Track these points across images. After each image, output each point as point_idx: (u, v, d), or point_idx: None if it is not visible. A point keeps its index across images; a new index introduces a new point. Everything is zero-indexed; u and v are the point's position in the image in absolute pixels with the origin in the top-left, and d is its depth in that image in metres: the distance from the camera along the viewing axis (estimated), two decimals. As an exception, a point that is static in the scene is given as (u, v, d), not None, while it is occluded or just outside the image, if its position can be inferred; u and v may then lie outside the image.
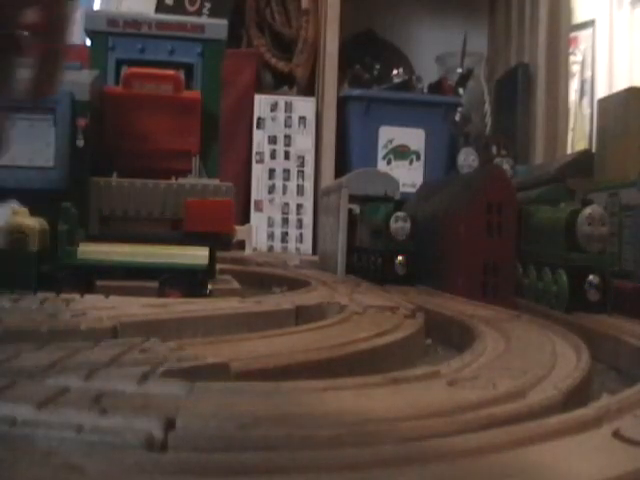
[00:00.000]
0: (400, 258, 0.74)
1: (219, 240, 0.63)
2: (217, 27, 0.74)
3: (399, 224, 0.74)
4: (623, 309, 0.55)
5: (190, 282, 0.56)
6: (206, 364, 0.28)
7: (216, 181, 0.66)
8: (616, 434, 0.20)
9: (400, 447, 0.18)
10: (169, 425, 0.20)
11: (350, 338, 0.36)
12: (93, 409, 0.21)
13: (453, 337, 0.46)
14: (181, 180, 0.65)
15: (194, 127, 0.68)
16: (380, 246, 0.76)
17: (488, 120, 1.91)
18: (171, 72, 0.67)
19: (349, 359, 0.32)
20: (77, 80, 0.61)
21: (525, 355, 0.32)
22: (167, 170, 0.67)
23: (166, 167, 0.67)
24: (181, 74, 0.70)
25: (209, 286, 0.58)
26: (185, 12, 1.86)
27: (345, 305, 0.49)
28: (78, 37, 1.72)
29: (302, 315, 0.48)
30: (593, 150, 0.91)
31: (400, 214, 0.74)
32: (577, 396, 0.27)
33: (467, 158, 1.79)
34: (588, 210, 0.56)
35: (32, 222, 0.54)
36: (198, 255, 0.56)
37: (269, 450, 0.18)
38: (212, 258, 0.60)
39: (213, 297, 0.57)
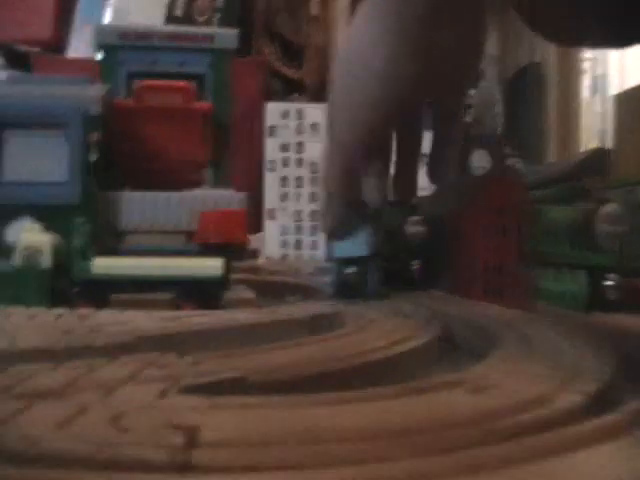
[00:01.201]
0: (414, 263, 0.72)
1: (233, 250, 0.63)
2: (227, 36, 0.74)
3: (414, 228, 0.71)
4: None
5: (205, 293, 0.56)
6: (224, 379, 0.27)
7: (229, 191, 0.66)
8: (643, 441, 0.20)
9: (426, 460, 0.17)
10: (192, 443, 0.19)
11: (367, 347, 0.35)
12: (113, 428, 0.21)
13: (470, 342, 0.45)
14: (194, 191, 0.65)
15: (205, 138, 0.68)
16: (394, 251, 0.72)
17: (500, 120, 1.91)
18: (182, 83, 0.67)
19: (368, 368, 0.32)
20: (88, 95, 0.61)
21: (548, 359, 0.32)
22: (179, 182, 0.67)
23: (178, 179, 0.67)
24: (192, 85, 0.70)
25: (224, 297, 0.58)
26: (194, 23, 1.87)
27: (361, 313, 0.49)
28: (87, 51, 1.73)
29: (317, 324, 0.48)
30: (606, 148, 0.90)
31: (415, 218, 0.70)
32: (604, 400, 0.26)
33: (480, 159, 1.79)
34: (605, 208, 0.56)
35: (46, 238, 0.54)
36: (212, 266, 0.56)
37: (296, 469, 0.17)
38: (226, 269, 0.59)
39: (228, 308, 0.57)
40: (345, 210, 0.53)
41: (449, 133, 0.54)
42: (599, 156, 0.90)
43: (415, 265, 0.72)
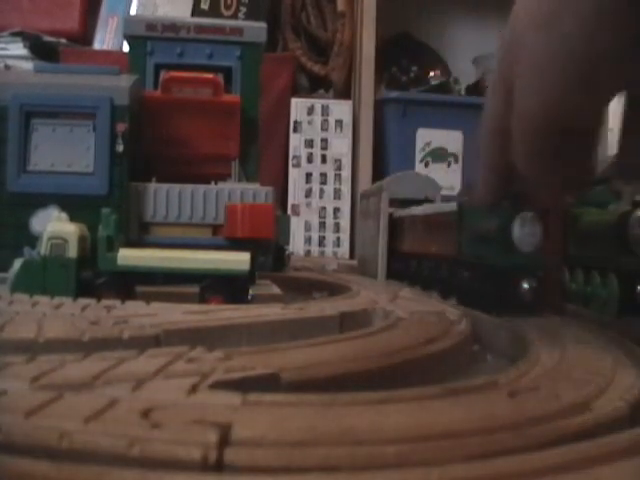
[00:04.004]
0: (527, 280, 0.50)
1: (260, 245, 0.62)
2: (256, 30, 0.74)
3: (526, 229, 0.50)
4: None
5: (231, 288, 0.56)
6: (256, 375, 0.27)
7: (256, 185, 0.65)
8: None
9: (469, 465, 0.17)
10: (224, 441, 0.19)
11: (398, 346, 0.35)
12: (144, 423, 0.20)
13: (502, 343, 0.44)
14: (221, 185, 0.65)
15: (234, 131, 0.67)
16: (495, 260, 0.51)
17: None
18: (210, 76, 0.67)
19: (399, 368, 0.31)
20: (116, 85, 0.61)
21: (583, 363, 0.31)
22: (207, 174, 0.66)
23: (206, 171, 0.67)
24: (220, 78, 0.70)
25: (250, 292, 0.58)
26: (221, 16, 1.86)
27: (390, 311, 0.48)
28: (116, 42, 1.73)
29: (346, 321, 0.47)
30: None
31: (528, 214, 0.50)
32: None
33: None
34: (639, 212, 0.55)
35: (72, 228, 0.54)
36: (239, 260, 0.55)
37: (332, 470, 0.17)
38: (253, 263, 0.59)
39: (255, 303, 0.56)
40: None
41: None
42: (633, 159, 0.88)
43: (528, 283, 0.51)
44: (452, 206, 0.60)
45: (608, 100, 0.38)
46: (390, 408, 0.22)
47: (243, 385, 0.26)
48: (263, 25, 0.74)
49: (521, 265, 0.50)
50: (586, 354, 0.33)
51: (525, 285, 0.49)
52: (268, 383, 0.27)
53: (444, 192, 1.05)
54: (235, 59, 0.72)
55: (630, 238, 0.54)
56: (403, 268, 0.80)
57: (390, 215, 0.84)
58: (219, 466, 0.17)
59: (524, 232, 0.49)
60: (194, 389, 0.24)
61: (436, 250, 0.66)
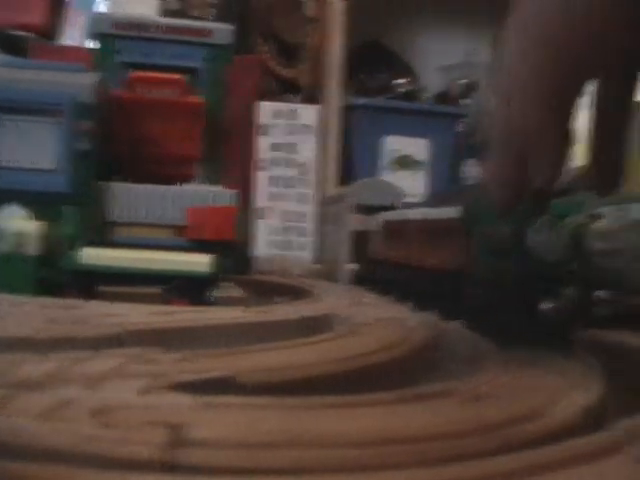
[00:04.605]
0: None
1: (223, 247, 0.62)
2: (224, 32, 0.73)
3: (544, 235, 0.41)
4: (629, 324, 0.54)
5: (194, 289, 0.56)
6: (212, 377, 0.27)
7: (220, 188, 0.65)
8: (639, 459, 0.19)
9: (424, 471, 0.17)
10: (174, 441, 0.19)
11: (359, 351, 0.35)
12: (96, 423, 0.20)
13: (463, 351, 0.45)
14: (185, 186, 0.64)
15: (198, 133, 0.67)
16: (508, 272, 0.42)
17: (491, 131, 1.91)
18: (175, 76, 0.67)
19: (359, 373, 0.31)
20: (81, 83, 0.60)
21: (540, 372, 0.31)
22: (171, 176, 0.66)
23: (170, 172, 0.67)
24: (186, 79, 0.69)
25: (213, 294, 0.58)
26: (190, 17, 1.85)
27: (351, 316, 0.49)
28: (82, 39, 1.71)
29: (308, 326, 0.47)
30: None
31: (547, 218, 0.41)
32: (595, 417, 0.26)
33: (471, 169, 1.79)
34: (597, 224, 0.55)
35: (34, 225, 0.54)
36: (201, 262, 0.55)
37: (289, 474, 0.17)
38: (216, 265, 0.59)
39: (217, 305, 0.56)
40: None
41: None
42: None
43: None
44: (455, 211, 0.51)
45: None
46: (351, 412, 0.22)
47: (198, 387, 0.25)
48: (231, 27, 0.74)
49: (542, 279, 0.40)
50: (543, 363, 0.34)
51: (546, 305, 0.39)
52: (224, 386, 0.27)
53: (410, 199, 1.05)
54: (202, 60, 0.72)
55: (588, 250, 0.55)
56: (388, 279, 0.72)
57: (374, 220, 0.81)
58: (168, 466, 0.17)
59: (544, 238, 0.40)
60: (148, 390, 0.24)
61: (435, 262, 0.56)
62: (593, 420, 0.25)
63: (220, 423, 0.20)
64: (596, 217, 0.58)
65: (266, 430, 0.19)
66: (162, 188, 0.63)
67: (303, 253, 1.75)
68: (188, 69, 0.72)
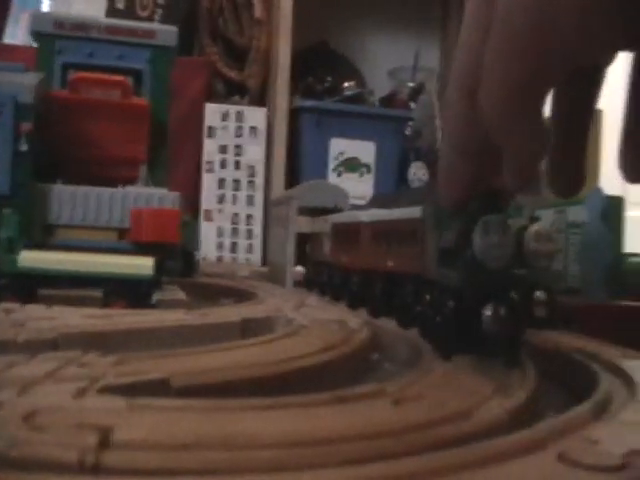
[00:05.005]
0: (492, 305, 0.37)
1: (166, 250, 0.62)
2: (168, 33, 0.73)
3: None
4: (567, 325, 0.56)
5: (135, 292, 0.55)
6: (146, 380, 0.27)
7: (163, 190, 0.65)
8: (561, 456, 0.20)
9: (343, 470, 0.17)
10: (103, 444, 0.19)
11: (296, 353, 0.35)
12: (25, 426, 0.20)
13: (401, 353, 0.45)
14: (127, 188, 0.64)
15: (142, 134, 0.67)
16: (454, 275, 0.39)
17: (439, 135, 1.93)
18: (119, 78, 0.66)
19: (294, 375, 0.32)
20: (21, 83, 0.59)
21: (472, 373, 0.32)
22: (114, 178, 0.66)
23: (113, 175, 0.66)
24: (129, 80, 0.69)
25: (155, 297, 0.57)
26: (136, 17, 1.84)
27: (293, 318, 0.49)
28: (24, 38, 1.69)
29: (249, 328, 0.47)
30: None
31: (495, 219, 0.38)
32: (524, 416, 0.27)
33: (417, 172, 1.80)
34: (535, 227, 0.56)
35: (-29, 228, 0.53)
36: (143, 265, 0.55)
37: (212, 474, 0.17)
38: (158, 268, 0.59)
39: (159, 308, 0.56)
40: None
41: None
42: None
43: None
44: (415, 212, 0.48)
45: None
46: (273, 414, 0.22)
47: (132, 390, 0.25)
48: (174, 29, 0.74)
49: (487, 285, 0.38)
50: (475, 364, 0.34)
51: (488, 312, 0.37)
52: (158, 388, 0.27)
53: (356, 202, 1.05)
54: (145, 62, 0.71)
55: (525, 252, 0.56)
56: (339, 284, 0.69)
57: (320, 222, 0.80)
58: (96, 469, 0.17)
59: (489, 242, 0.38)
60: (81, 393, 0.24)
61: (385, 265, 0.53)
62: (519, 421, 0.26)
63: (146, 425, 0.20)
64: (534, 220, 0.59)
65: (186, 432, 0.19)
66: (104, 190, 0.62)
67: (251, 255, 1.75)
68: (132, 70, 0.72)
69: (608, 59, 0.31)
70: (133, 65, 0.72)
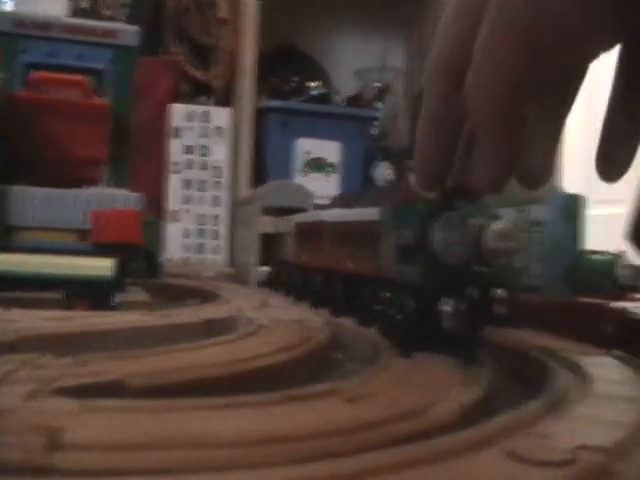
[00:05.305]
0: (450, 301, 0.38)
1: (128, 251, 0.61)
2: (129, 33, 0.73)
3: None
4: (528, 323, 0.56)
5: (96, 294, 0.55)
6: (102, 381, 0.27)
7: (125, 191, 0.64)
8: (510, 453, 0.20)
9: (294, 468, 0.17)
10: (53, 445, 0.19)
11: (254, 353, 0.35)
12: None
13: (362, 351, 0.45)
14: (89, 189, 0.64)
15: (103, 135, 0.66)
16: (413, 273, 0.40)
17: (405, 134, 1.94)
18: (79, 77, 0.66)
19: (252, 374, 0.32)
20: (-20, 83, 0.59)
21: (428, 371, 0.32)
22: (75, 179, 0.65)
23: (74, 176, 0.66)
24: (91, 80, 0.69)
25: (116, 298, 0.57)
26: (101, 17, 1.83)
27: (255, 318, 0.49)
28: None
29: (212, 328, 0.47)
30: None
31: (453, 216, 0.39)
32: (479, 413, 0.27)
33: (383, 171, 1.81)
34: (495, 225, 0.57)
35: None
36: (103, 266, 0.55)
37: (163, 474, 0.17)
38: (121, 269, 0.58)
39: (120, 310, 0.56)
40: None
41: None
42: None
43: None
44: (373, 213, 0.48)
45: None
46: (229, 414, 0.22)
47: (87, 391, 0.25)
48: (136, 28, 0.74)
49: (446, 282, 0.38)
50: (432, 362, 0.35)
51: (446, 307, 0.37)
52: (114, 389, 0.27)
53: (323, 201, 1.05)
54: (107, 62, 0.71)
55: (486, 250, 0.56)
56: (302, 283, 0.69)
57: (285, 222, 0.79)
58: (45, 470, 0.17)
59: (449, 239, 0.38)
60: (34, 395, 0.24)
61: (347, 265, 0.53)
62: (474, 418, 0.26)
63: (97, 426, 0.20)
64: (495, 217, 0.60)
65: (138, 432, 0.19)
66: (65, 191, 0.62)
67: (217, 256, 1.74)
68: (93, 70, 0.71)
69: (598, 55, 0.30)
70: (94, 65, 0.71)
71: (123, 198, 0.62)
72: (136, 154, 0.75)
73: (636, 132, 0.33)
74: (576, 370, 0.38)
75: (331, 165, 1.83)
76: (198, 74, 1.89)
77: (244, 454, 0.18)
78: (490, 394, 0.30)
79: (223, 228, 1.76)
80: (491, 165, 0.30)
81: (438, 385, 0.29)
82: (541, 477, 0.19)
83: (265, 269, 0.88)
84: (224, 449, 0.18)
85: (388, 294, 0.43)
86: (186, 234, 1.75)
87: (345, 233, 0.55)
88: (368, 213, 0.49)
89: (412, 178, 0.36)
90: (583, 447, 0.21)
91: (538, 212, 0.69)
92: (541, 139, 0.33)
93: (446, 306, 0.36)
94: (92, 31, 0.71)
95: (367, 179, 1.81)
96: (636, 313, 0.48)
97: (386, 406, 0.24)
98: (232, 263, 1.46)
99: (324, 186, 1.76)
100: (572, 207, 0.67)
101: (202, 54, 1.92)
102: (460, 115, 0.31)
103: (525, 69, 0.28)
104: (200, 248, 1.75)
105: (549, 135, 0.34)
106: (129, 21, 1.78)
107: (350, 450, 0.20)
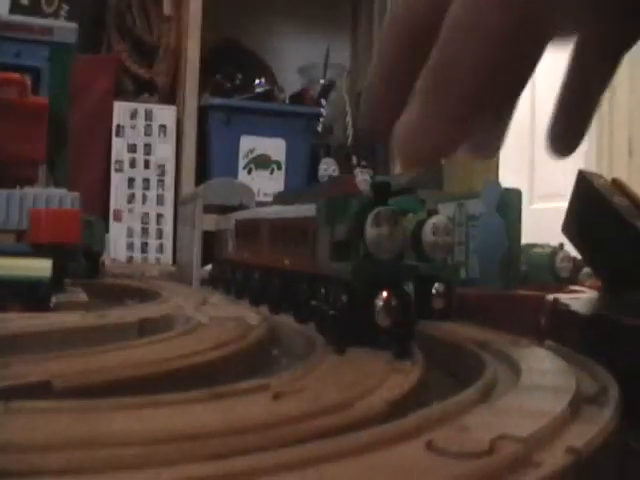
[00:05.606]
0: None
1: (66, 251, 0.61)
2: (66, 30, 0.72)
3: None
4: (468, 316, 0.57)
5: (33, 295, 0.54)
6: (26, 383, 0.27)
7: (63, 190, 0.64)
8: (429, 445, 0.21)
9: (206, 465, 0.17)
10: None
11: (188, 350, 0.35)
12: None
13: (298, 348, 0.46)
14: (25, 189, 0.63)
15: (40, 134, 0.66)
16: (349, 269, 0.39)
17: (349, 131, 1.94)
18: (16, 75, 0.65)
19: (183, 373, 0.32)
20: None
21: (360, 367, 0.32)
22: (11, 178, 0.64)
23: (10, 175, 0.65)
24: (27, 78, 0.68)
25: (53, 299, 0.56)
26: (42, 14, 1.80)
27: (192, 316, 0.49)
28: None
29: (147, 328, 0.47)
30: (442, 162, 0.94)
31: (386, 211, 0.39)
32: (406, 406, 0.27)
33: (328, 168, 1.82)
34: (433, 220, 0.57)
35: None
36: (40, 267, 0.54)
37: (75, 474, 0.17)
38: (58, 270, 0.58)
39: (57, 311, 0.55)
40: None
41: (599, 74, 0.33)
42: (436, 170, 0.93)
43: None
44: (308, 210, 0.48)
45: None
46: (149, 412, 0.22)
47: (12, 393, 0.25)
48: (74, 25, 0.73)
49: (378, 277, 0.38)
50: (365, 358, 0.35)
51: (379, 303, 0.37)
52: (40, 391, 0.26)
53: (267, 199, 1.05)
54: (44, 59, 0.70)
55: (424, 244, 0.57)
56: (242, 281, 0.68)
57: (226, 220, 0.79)
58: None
59: (380, 233, 0.38)
60: (-45, 398, 0.24)
61: (284, 263, 0.53)
62: (401, 412, 0.26)
63: (18, 428, 0.20)
64: (433, 212, 0.61)
65: (55, 433, 0.19)
66: (1, 191, 0.61)
67: (161, 255, 1.74)
68: (30, 68, 0.70)
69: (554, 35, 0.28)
70: (31, 63, 0.70)
71: (61, 198, 0.62)
72: (77, 153, 0.74)
73: (588, 108, 0.34)
74: (507, 361, 0.38)
75: (276, 162, 1.83)
76: (141, 71, 1.88)
77: (158, 452, 0.18)
78: (420, 387, 0.31)
79: (167, 227, 1.75)
80: (452, 126, 0.28)
81: (367, 380, 0.29)
82: (457, 468, 0.20)
83: (207, 268, 0.88)
84: (139, 447, 0.18)
85: (323, 290, 0.43)
86: (130, 233, 1.74)
87: (282, 230, 0.55)
88: (304, 209, 0.49)
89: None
90: (502, 437, 0.22)
91: (475, 207, 0.70)
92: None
93: (378, 301, 0.37)
94: (27, 28, 0.70)
95: (312, 176, 1.82)
96: (568, 304, 0.49)
97: (311, 401, 0.25)
98: (176, 262, 1.45)
99: (269, 183, 1.76)
100: (507, 201, 0.68)
101: (146, 51, 1.91)
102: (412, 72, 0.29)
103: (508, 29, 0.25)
104: (144, 247, 1.74)
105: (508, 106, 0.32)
106: (70, 18, 1.76)
107: (270, 446, 0.20)
